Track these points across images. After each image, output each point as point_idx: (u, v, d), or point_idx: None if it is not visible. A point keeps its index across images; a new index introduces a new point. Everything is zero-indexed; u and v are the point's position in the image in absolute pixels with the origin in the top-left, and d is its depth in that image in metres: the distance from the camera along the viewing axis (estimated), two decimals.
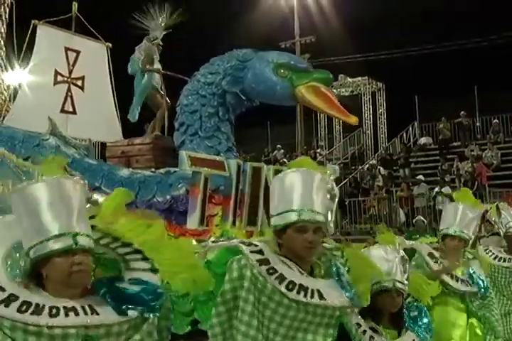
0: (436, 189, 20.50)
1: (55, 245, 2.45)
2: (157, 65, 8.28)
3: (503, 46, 25.21)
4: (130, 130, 9.21)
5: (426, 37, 26.16)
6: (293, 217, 2.98)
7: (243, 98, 7.16)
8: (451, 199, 19.85)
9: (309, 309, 2.93)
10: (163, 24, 8.39)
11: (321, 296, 2.96)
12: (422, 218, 12.91)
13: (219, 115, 7.21)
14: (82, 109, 8.77)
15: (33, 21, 8.55)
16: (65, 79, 8.78)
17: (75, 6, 9.12)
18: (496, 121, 24.32)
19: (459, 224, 4.95)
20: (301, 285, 2.95)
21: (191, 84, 7.30)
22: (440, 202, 19.88)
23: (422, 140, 25.33)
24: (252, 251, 3.03)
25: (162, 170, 6.90)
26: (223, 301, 3.00)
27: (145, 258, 2.69)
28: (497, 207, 6.67)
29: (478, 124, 25.15)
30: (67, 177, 2.71)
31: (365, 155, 26.07)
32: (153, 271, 2.65)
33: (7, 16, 8.72)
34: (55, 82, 8.70)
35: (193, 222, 6.00)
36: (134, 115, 8.36)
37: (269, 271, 2.95)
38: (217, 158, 6.27)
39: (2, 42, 9.01)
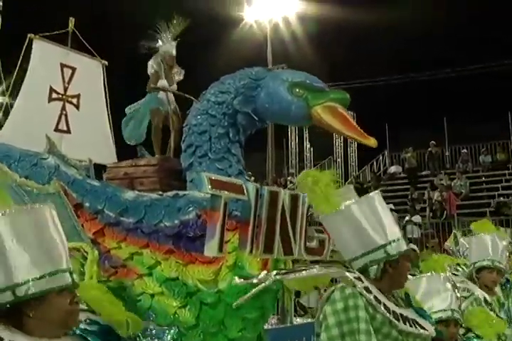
0: (407, 218, 20.56)
1: (56, 282, 2.24)
2: (163, 83, 7.94)
3: (472, 78, 25.59)
4: (121, 151, 8.85)
5: (396, 67, 26.43)
6: (403, 246, 2.85)
7: (255, 118, 6.81)
8: (420, 228, 19.78)
9: (410, 339, 2.91)
10: (170, 35, 8.08)
11: (419, 326, 2.94)
12: (414, 246, 12.63)
13: (229, 136, 6.85)
14: (76, 129, 8.38)
15: (28, 35, 8.18)
16: (60, 96, 8.38)
17: (71, 21, 8.78)
18: (465, 150, 24.66)
19: (493, 255, 4.75)
20: (401, 315, 2.85)
21: (200, 103, 6.95)
22: (410, 232, 19.92)
23: (392, 169, 25.54)
24: (355, 278, 2.88)
25: (170, 193, 6.49)
26: (329, 337, 2.76)
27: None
28: (454, 236, 6.59)
29: (447, 154, 25.42)
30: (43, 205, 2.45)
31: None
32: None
33: None
34: (50, 99, 8.29)
35: (211, 249, 5.58)
36: (139, 136, 7.99)
37: (376, 299, 2.90)
38: (236, 181, 5.92)
39: None
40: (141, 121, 8.03)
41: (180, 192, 6.49)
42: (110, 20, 21.50)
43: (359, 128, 6.76)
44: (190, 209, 6.39)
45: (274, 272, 3.64)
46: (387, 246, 3.15)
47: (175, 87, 8.12)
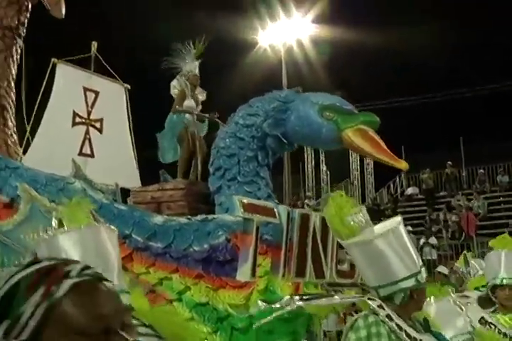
0: (423, 240, 20.41)
1: None
2: (191, 102, 7.90)
3: (487, 98, 25.54)
4: (142, 174, 8.81)
5: (410, 89, 26.42)
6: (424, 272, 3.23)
7: (284, 141, 6.76)
8: (438, 250, 19.45)
9: None
10: (192, 55, 8.06)
11: None
12: (443, 269, 12.39)
13: (258, 159, 6.79)
14: (100, 153, 8.35)
15: (52, 60, 8.18)
16: (84, 120, 8.36)
17: (94, 45, 8.78)
18: (482, 171, 24.47)
19: (506, 271, 4.59)
20: None
21: (229, 126, 6.89)
22: (427, 253, 19.75)
23: (409, 190, 25.38)
24: (378, 306, 2.89)
25: (199, 217, 6.40)
26: None
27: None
28: (465, 257, 6.48)
29: (464, 174, 25.25)
30: (101, 224, 2.44)
31: None
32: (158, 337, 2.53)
33: (17, 57, 8.26)
34: (74, 124, 8.27)
35: (244, 273, 5.51)
36: (167, 157, 7.94)
37: (398, 327, 2.93)
38: (268, 204, 5.84)
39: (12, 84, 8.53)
40: (170, 142, 7.98)
41: (210, 216, 6.40)
42: (132, 44, 21.69)
43: (389, 151, 6.71)
44: (220, 233, 6.30)
45: (297, 297, 3.60)
46: (418, 274, 3.17)
47: (199, 107, 8.08)
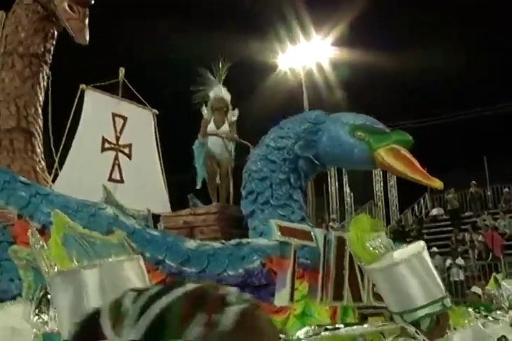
0: (449, 260, 20.16)
1: None
2: (212, 127, 7.89)
3: (509, 116, 25.36)
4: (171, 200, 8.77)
5: (431, 109, 26.33)
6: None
7: (316, 163, 6.70)
8: (465, 271, 19.17)
9: None
10: (216, 79, 8.07)
11: None
12: (478, 288, 12.12)
13: (290, 182, 6.74)
14: (129, 178, 8.32)
15: (81, 86, 8.22)
16: (113, 146, 8.37)
17: (121, 71, 8.81)
18: (507, 189, 24.17)
19: None
20: None
21: (260, 149, 6.85)
22: (454, 275, 19.49)
23: (434, 211, 25.12)
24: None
25: (233, 242, 6.33)
26: None
27: None
28: (495, 279, 6.32)
29: (489, 193, 24.95)
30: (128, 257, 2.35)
31: None
32: None
33: (44, 84, 8.31)
34: (103, 149, 8.28)
35: (282, 298, 5.43)
36: (198, 182, 7.92)
37: None
38: (305, 227, 5.77)
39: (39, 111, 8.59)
40: (199, 167, 7.96)
41: (244, 240, 6.33)
42: (158, 69, 21.85)
43: (423, 170, 6.63)
44: (255, 257, 6.22)
45: (324, 327, 3.50)
46: (445, 299, 3.15)
47: (226, 129, 8.03)
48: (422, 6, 26.08)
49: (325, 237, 5.79)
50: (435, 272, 3.29)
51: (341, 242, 5.89)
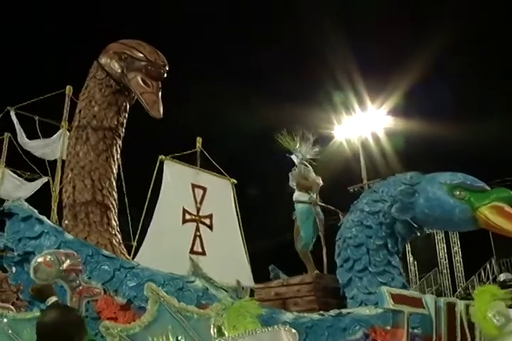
0: None
1: None
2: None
3: None
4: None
5: (489, 178, 25.75)
6: None
7: (414, 226, 6.35)
8: None
9: None
10: (300, 154, 7.88)
11: None
12: None
13: (388, 247, 6.40)
14: (211, 250, 8.09)
15: (159, 157, 8.13)
16: (193, 217, 8.19)
17: (199, 141, 8.74)
18: None
19: None
20: None
21: (353, 214, 6.55)
22: None
23: (501, 276, 24.15)
24: None
25: (332, 312, 5.95)
26: None
27: None
28: None
29: None
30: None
31: (443, 296, 24.76)
32: None
33: (118, 156, 8.24)
34: (184, 221, 8.09)
35: None
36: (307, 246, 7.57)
37: None
38: (416, 294, 5.39)
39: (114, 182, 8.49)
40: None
41: (344, 311, 5.94)
42: (235, 137, 22.01)
43: None
44: (357, 328, 5.82)
45: None
46: None
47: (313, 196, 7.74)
48: (479, 76, 26.03)
49: (435, 303, 5.41)
50: None
51: (451, 308, 5.49)
